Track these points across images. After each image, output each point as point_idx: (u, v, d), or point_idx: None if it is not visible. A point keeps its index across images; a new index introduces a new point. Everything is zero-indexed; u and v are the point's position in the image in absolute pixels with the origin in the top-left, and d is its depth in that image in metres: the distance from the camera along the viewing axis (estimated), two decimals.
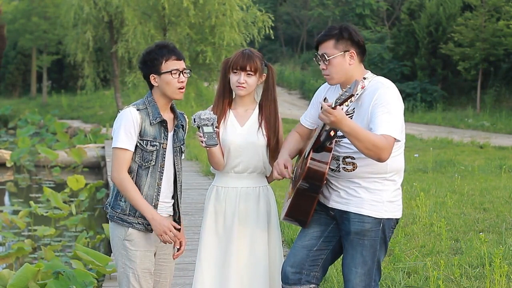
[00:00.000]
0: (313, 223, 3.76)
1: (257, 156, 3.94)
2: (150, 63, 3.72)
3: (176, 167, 3.83)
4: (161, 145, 3.73)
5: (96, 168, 16.67)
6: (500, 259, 4.89)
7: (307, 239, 3.76)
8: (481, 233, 6.44)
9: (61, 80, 36.19)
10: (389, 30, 31.86)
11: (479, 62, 23.67)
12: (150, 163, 3.71)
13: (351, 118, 3.57)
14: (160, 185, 3.74)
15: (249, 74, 3.90)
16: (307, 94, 29.30)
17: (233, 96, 4.02)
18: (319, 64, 3.69)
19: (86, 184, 12.81)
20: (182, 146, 3.87)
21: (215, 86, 20.36)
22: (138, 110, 3.70)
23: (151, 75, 3.73)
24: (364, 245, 3.62)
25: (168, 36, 19.75)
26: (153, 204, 3.73)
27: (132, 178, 3.70)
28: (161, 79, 3.71)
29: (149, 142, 3.70)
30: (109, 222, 3.82)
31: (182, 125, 3.87)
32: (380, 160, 3.45)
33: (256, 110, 3.99)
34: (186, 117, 3.95)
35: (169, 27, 20.18)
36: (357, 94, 3.57)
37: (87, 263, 6.76)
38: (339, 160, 3.62)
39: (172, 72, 3.69)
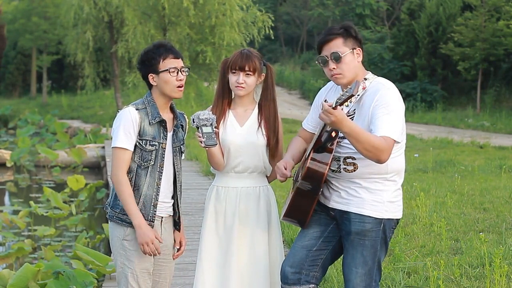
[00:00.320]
0: (313, 223, 3.76)
1: (257, 156, 3.94)
2: (148, 63, 3.72)
3: (176, 167, 3.83)
4: (160, 145, 3.73)
5: (96, 168, 16.67)
6: (500, 259, 4.89)
7: (307, 239, 3.76)
8: (481, 233, 6.44)
9: (61, 80, 36.21)
10: (389, 30, 31.87)
11: (479, 62, 23.67)
12: (149, 163, 3.71)
13: (352, 119, 3.57)
14: (160, 185, 3.74)
15: (248, 74, 3.89)
16: (307, 94, 29.32)
17: (233, 96, 4.02)
18: (324, 66, 3.64)
19: (86, 184, 12.81)
20: (181, 146, 3.86)
21: (215, 86, 20.33)
22: (137, 109, 3.70)
23: (149, 75, 3.74)
24: (365, 245, 3.62)
25: (168, 36, 19.75)
26: (153, 204, 3.73)
27: (132, 178, 3.70)
28: (159, 78, 3.72)
29: (148, 141, 3.70)
30: (109, 222, 3.82)
31: (182, 125, 3.87)
32: (379, 161, 3.45)
33: (256, 110, 3.99)
34: (186, 117, 3.95)
35: (169, 27, 20.17)
36: (358, 95, 3.57)
37: (87, 263, 6.76)
38: (339, 160, 3.62)
39: (170, 70, 3.70)
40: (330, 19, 33.86)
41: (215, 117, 3.77)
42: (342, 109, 3.41)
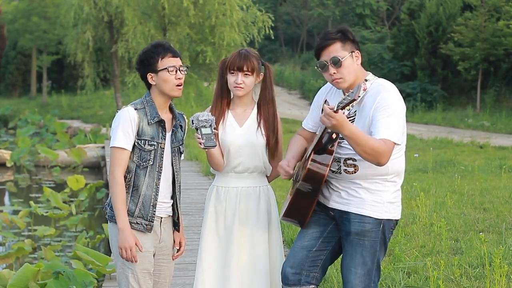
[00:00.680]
0: (312, 224, 3.76)
1: (257, 156, 3.94)
2: (147, 62, 3.72)
3: (175, 167, 3.82)
4: (159, 144, 3.73)
5: (96, 168, 16.67)
6: (500, 259, 4.89)
7: (307, 240, 3.75)
8: (481, 233, 6.44)
9: (61, 80, 36.21)
10: (389, 30, 31.87)
11: (479, 62, 23.67)
12: (148, 163, 3.71)
13: (353, 121, 3.57)
14: (159, 185, 3.74)
15: (246, 74, 3.89)
16: (307, 94, 29.32)
17: (231, 97, 4.01)
18: (324, 71, 3.62)
19: (86, 184, 12.81)
20: (180, 147, 3.86)
21: (215, 86, 20.33)
22: (136, 109, 3.71)
23: (148, 74, 3.74)
24: (364, 245, 3.61)
25: (168, 36, 19.74)
26: (152, 204, 3.73)
27: (131, 178, 3.70)
28: (158, 77, 3.72)
29: (147, 141, 3.70)
30: (108, 222, 3.82)
31: (181, 125, 3.87)
32: (379, 164, 3.46)
33: (255, 110, 3.99)
34: (185, 117, 3.94)
35: (169, 27, 20.17)
36: (359, 97, 3.57)
37: (87, 263, 6.76)
38: (340, 161, 3.62)
39: (169, 69, 3.70)
40: (330, 19, 33.86)
41: (214, 118, 3.77)
42: (343, 113, 3.41)
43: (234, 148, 3.92)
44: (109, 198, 3.82)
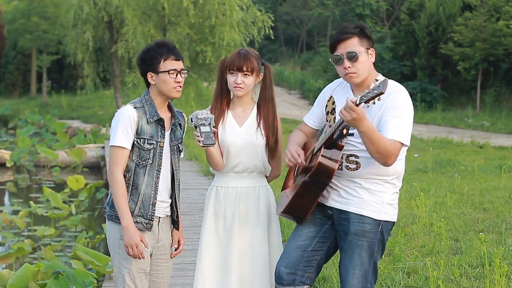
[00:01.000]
0: (308, 223, 3.75)
1: (256, 156, 3.94)
2: (149, 61, 3.72)
3: (174, 166, 3.83)
4: (158, 143, 3.73)
5: (96, 168, 16.67)
6: (500, 259, 4.89)
7: (302, 239, 3.74)
8: (481, 233, 6.44)
9: (61, 80, 36.21)
10: (389, 30, 31.86)
11: (479, 62, 23.67)
12: (147, 162, 3.71)
13: None
14: (158, 183, 3.74)
15: (246, 74, 3.89)
16: (306, 94, 29.31)
17: (231, 97, 4.01)
18: (338, 64, 3.61)
19: (86, 184, 12.81)
20: (180, 145, 3.86)
21: (214, 86, 20.33)
22: (135, 108, 3.71)
23: (148, 73, 3.74)
24: (363, 246, 3.61)
25: (168, 36, 19.74)
26: (151, 203, 3.73)
27: (130, 177, 3.71)
28: (158, 78, 3.72)
29: (146, 140, 3.70)
30: (106, 221, 3.83)
31: (180, 124, 3.87)
32: (386, 164, 3.47)
33: (255, 110, 3.99)
34: (184, 116, 3.95)
35: (169, 27, 20.17)
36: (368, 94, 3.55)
37: (87, 263, 6.76)
38: (342, 158, 3.62)
39: (170, 72, 3.70)
40: (330, 19, 33.86)
41: (213, 117, 3.77)
42: (368, 106, 3.39)
43: (234, 148, 3.92)
44: (108, 197, 3.82)
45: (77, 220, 10.52)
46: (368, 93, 3.26)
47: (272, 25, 20.63)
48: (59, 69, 36.04)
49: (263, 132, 3.94)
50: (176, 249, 3.95)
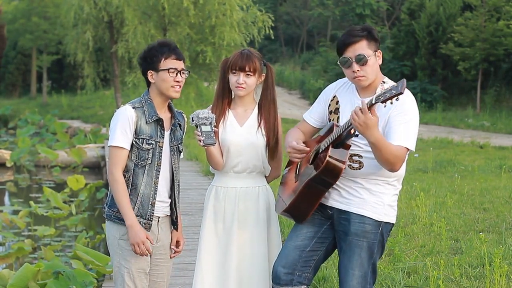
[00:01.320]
0: (306, 223, 3.74)
1: (256, 156, 3.94)
2: (150, 60, 3.73)
3: (173, 166, 3.83)
4: (157, 143, 3.73)
5: (96, 168, 16.67)
6: (500, 259, 4.89)
7: (300, 239, 3.73)
8: (481, 233, 6.44)
9: (61, 80, 36.21)
10: (389, 30, 31.85)
11: (479, 62, 23.66)
12: (146, 162, 3.71)
13: None
14: (157, 183, 3.75)
15: (248, 74, 3.89)
16: (307, 94, 29.31)
17: (233, 96, 4.02)
18: (346, 67, 3.60)
19: (86, 184, 12.81)
20: (179, 146, 3.86)
21: (215, 86, 20.31)
22: (134, 108, 3.71)
23: (149, 71, 3.74)
24: (363, 246, 3.61)
25: (168, 36, 19.73)
26: (151, 203, 3.73)
27: (129, 177, 3.71)
28: (158, 76, 3.72)
29: (145, 140, 3.70)
30: (106, 221, 3.83)
31: (180, 124, 3.87)
32: (393, 170, 3.47)
33: (256, 110, 3.99)
34: (184, 116, 3.95)
35: (169, 27, 20.16)
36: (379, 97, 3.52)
37: (87, 263, 6.76)
38: None
39: (170, 70, 3.70)
40: (330, 19, 33.86)
41: (214, 116, 3.77)
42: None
43: (234, 148, 3.92)
44: (108, 197, 3.82)
45: (77, 220, 10.52)
46: (385, 93, 3.24)
47: (272, 25, 20.63)
48: (59, 69, 36.04)
49: (263, 132, 3.94)
50: (176, 249, 3.95)
